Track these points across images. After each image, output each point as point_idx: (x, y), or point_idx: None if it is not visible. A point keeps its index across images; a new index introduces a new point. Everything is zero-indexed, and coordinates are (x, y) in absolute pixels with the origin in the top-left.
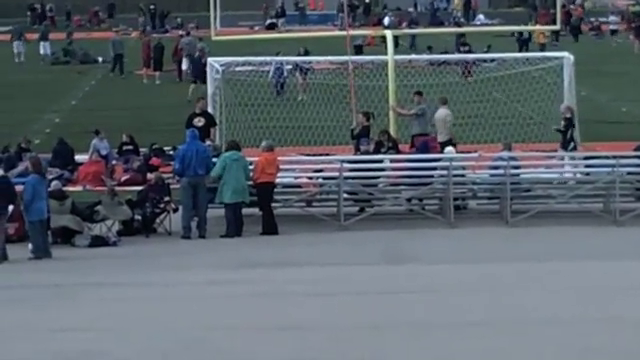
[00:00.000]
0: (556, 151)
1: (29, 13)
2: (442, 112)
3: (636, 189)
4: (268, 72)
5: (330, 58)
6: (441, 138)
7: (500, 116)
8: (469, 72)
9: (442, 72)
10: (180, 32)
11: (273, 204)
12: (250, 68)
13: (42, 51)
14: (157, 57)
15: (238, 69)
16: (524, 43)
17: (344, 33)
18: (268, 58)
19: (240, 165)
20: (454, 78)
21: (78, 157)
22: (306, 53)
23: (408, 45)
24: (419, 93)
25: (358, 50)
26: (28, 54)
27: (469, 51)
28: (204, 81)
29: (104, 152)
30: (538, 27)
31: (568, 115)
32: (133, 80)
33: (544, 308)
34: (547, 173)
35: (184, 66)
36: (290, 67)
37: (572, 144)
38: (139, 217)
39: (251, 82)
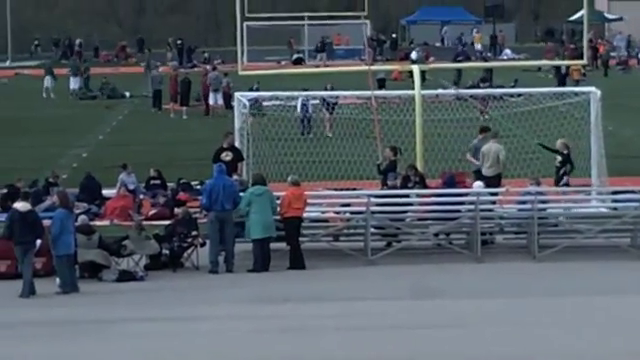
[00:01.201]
0: (586, 186)
1: (54, 48)
2: (493, 146)
3: None
4: (295, 107)
5: (356, 93)
6: (490, 173)
7: (527, 151)
8: (485, 109)
9: (469, 107)
10: (207, 67)
11: (300, 239)
12: (277, 103)
13: (72, 86)
14: (184, 92)
15: (265, 104)
16: (563, 78)
17: (370, 68)
18: (295, 93)
19: (266, 199)
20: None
21: (105, 192)
22: (332, 90)
23: (452, 82)
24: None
25: (381, 83)
26: (57, 89)
27: (489, 87)
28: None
29: (132, 187)
30: (565, 62)
31: (565, 151)
32: (161, 115)
33: (572, 343)
34: (574, 208)
35: (211, 101)
36: (317, 102)
37: (565, 179)
38: (166, 252)
39: (278, 117)
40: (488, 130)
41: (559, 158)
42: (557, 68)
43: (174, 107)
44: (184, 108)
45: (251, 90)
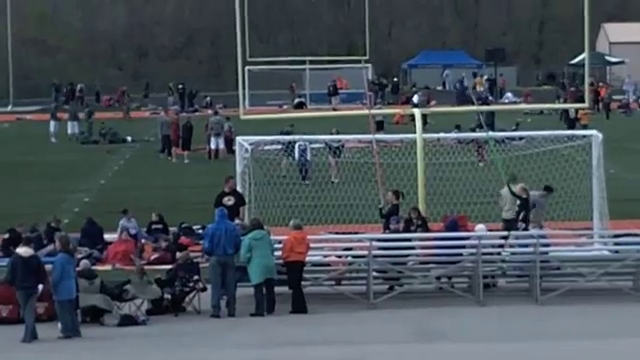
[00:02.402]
0: (587, 229)
1: (54, 93)
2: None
3: None
4: (293, 152)
5: (359, 137)
6: (507, 216)
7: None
8: (482, 155)
9: (471, 150)
10: (209, 111)
11: (302, 282)
12: (279, 147)
13: (70, 130)
14: (186, 136)
15: (267, 148)
16: (572, 123)
17: (370, 111)
18: (296, 137)
19: (265, 243)
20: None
21: (107, 236)
22: (338, 134)
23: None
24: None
25: (380, 126)
26: (59, 133)
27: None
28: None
29: (133, 231)
30: (567, 105)
31: (524, 196)
32: (162, 159)
33: None
34: (576, 251)
35: (212, 145)
36: (320, 146)
37: (523, 225)
38: (168, 296)
39: (280, 161)
40: (551, 191)
41: (517, 202)
42: (566, 112)
43: (176, 151)
44: (186, 152)
45: (282, 133)
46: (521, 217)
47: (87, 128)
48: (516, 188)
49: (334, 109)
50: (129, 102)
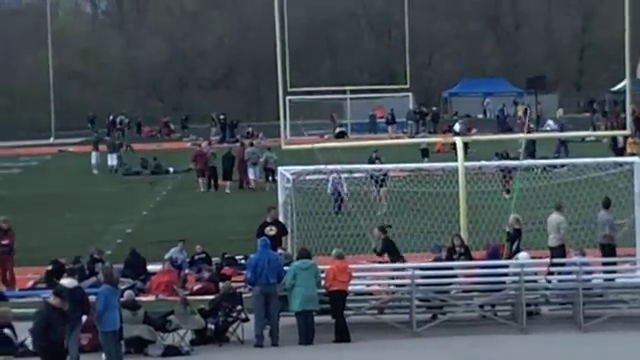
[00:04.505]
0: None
1: (89, 124)
2: (555, 217)
3: None
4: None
5: (400, 165)
6: (552, 243)
7: (571, 222)
8: (507, 188)
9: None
10: (244, 142)
11: (345, 312)
12: (320, 177)
13: (110, 162)
14: (227, 167)
15: (308, 177)
16: (620, 152)
17: (413, 140)
18: (338, 166)
19: (311, 273)
20: (525, 184)
21: (150, 267)
22: (377, 159)
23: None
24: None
25: (424, 154)
26: (101, 165)
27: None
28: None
29: (179, 262)
30: (608, 132)
31: (517, 226)
32: (203, 190)
33: None
34: (619, 278)
35: (251, 175)
36: (362, 175)
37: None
38: (212, 326)
39: (322, 190)
40: (609, 204)
41: (510, 233)
42: (614, 140)
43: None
44: (227, 183)
45: (370, 159)
46: (514, 248)
47: (119, 160)
48: (510, 219)
49: (391, 137)
50: (170, 132)
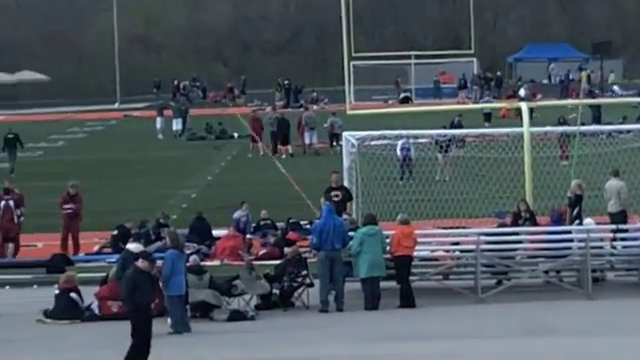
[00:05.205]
0: None
1: (155, 90)
2: (614, 183)
3: None
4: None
5: (465, 131)
6: (613, 209)
7: (637, 187)
8: (565, 154)
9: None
10: (308, 107)
11: (410, 277)
12: (385, 142)
13: (174, 127)
14: (284, 132)
15: (373, 143)
16: None
17: (478, 106)
18: (404, 132)
19: (377, 239)
20: (590, 149)
21: (215, 232)
22: (460, 123)
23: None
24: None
25: (487, 118)
26: (166, 130)
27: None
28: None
29: (242, 224)
30: None
31: (578, 192)
32: (267, 155)
33: None
34: None
35: (307, 140)
36: (426, 141)
37: (578, 221)
38: (277, 291)
39: (387, 156)
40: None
41: (572, 198)
42: None
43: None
44: (289, 147)
45: (452, 124)
46: (575, 213)
47: (182, 125)
48: (572, 184)
49: (459, 102)
50: (234, 98)
